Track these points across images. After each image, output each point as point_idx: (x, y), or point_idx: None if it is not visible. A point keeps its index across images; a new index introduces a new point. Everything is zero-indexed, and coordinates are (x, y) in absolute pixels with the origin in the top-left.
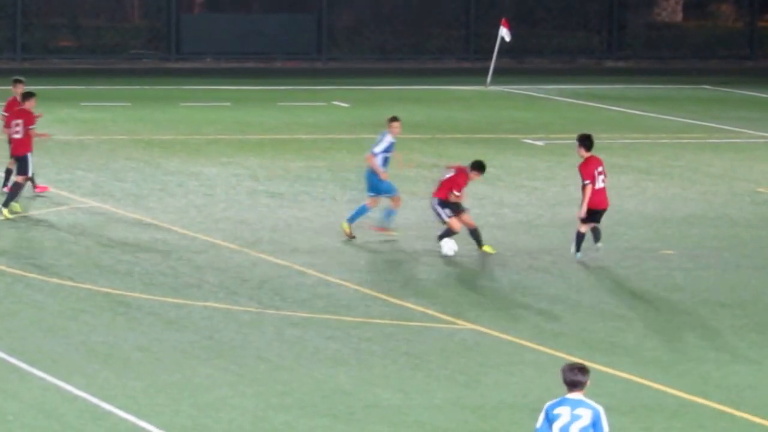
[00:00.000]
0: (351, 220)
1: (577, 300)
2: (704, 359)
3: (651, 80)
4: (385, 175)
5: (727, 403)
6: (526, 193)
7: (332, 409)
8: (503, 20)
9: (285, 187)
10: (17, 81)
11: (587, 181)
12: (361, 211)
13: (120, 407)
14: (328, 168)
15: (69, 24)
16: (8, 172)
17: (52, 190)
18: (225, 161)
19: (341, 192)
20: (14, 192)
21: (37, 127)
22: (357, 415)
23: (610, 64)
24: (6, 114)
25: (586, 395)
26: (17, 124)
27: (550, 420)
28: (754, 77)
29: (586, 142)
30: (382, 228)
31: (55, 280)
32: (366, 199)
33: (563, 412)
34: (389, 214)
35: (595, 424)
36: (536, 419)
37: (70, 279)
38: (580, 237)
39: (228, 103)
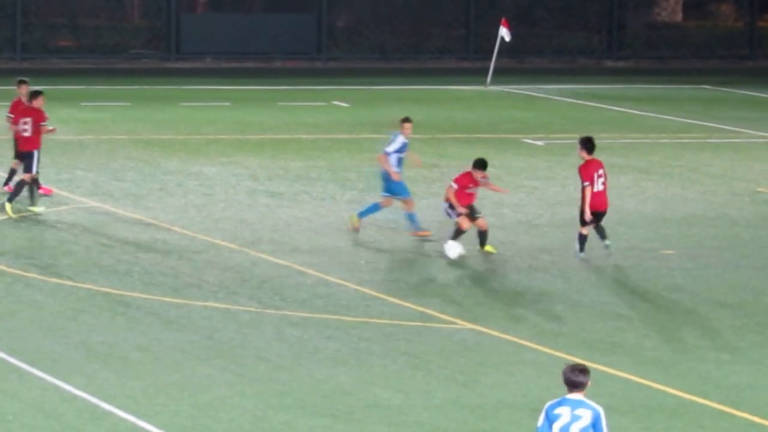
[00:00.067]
0: (362, 214)
1: (577, 300)
2: (704, 359)
3: (651, 80)
4: (397, 175)
5: (727, 403)
6: (526, 193)
7: (332, 409)
8: (503, 20)
9: (285, 186)
10: (22, 81)
11: (586, 183)
12: (374, 209)
13: (119, 407)
14: (328, 168)
15: (69, 24)
16: (12, 172)
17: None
18: (225, 161)
19: (341, 192)
20: (18, 190)
21: (46, 124)
22: (357, 415)
23: (610, 64)
24: (12, 115)
25: (586, 395)
26: (26, 123)
27: (550, 420)
28: (754, 77)
29: (587, 144)
30: (417, 232)
31: (54, 279)
32: (380, 198)
33: (563, 412)
34: (411, 217)
35: (595, 424)
36: (536, 419)
37: (70, 279)
38: (582, 238)
39: (228, 103)
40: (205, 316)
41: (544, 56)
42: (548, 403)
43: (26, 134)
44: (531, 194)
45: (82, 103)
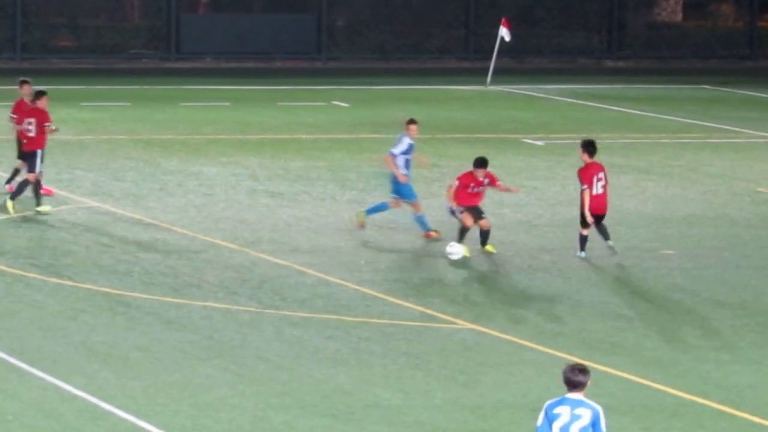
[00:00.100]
0: (369, 212)
1: (577, 300)
2: (704, 359)
3: (651, 80)
4: (404, 178)
5: (727, 403)
6: (526, 193)
7: (332, 408)
8: (503, 20)
9: (285, 186)
10: (24, 82)
11: (585, 186)
12: (381, 208)
13: (119, 407)
14: (328, 168)
15: (69, 24)
16: (15, 172)
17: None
18: (225, 161)
19: (341, 192)
20: (21, 189)
21: (50, 124)
22: (357, 415)
23: (610, 64)
24: (15, 116)
25: (586, 395)
26: (30, 123)
27: (549, 419)
28: (754, 77)
29: (589, 147)
30: (429, 233)
31: (54, 279)
32: (389, 198)
33: (563, 412)
34: (420, 219)
35: (595, 424)
36: (536, 419)
37: (70, 279)
38: (582, 239)
39: (228, 103)
40: (205, 316)
41: (544, 56)
42: (548, 403)
43: (30, 134)
44: (531, 194)
45: (82, 103)
